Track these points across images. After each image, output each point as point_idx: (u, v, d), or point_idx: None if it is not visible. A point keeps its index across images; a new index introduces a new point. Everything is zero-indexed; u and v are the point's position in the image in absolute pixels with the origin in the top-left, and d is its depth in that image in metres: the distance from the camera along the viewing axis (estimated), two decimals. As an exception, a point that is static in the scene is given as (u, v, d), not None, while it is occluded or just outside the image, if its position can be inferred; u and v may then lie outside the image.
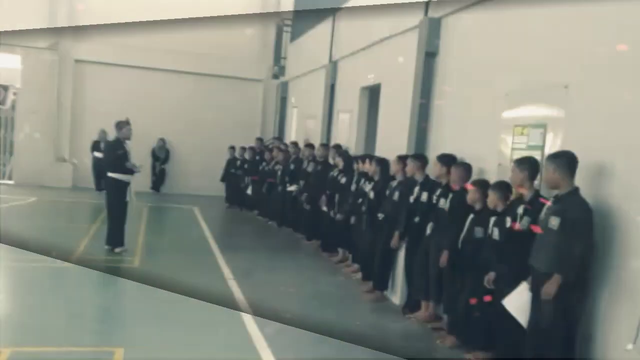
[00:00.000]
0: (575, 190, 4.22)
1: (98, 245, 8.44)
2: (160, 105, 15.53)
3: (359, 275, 7.63)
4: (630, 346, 3.75)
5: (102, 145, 15.16)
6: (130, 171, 8.23)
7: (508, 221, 4.69)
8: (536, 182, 4.72)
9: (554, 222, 4.15)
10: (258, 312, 5.91)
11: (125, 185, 8.22)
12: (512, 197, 5.13)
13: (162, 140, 15.89)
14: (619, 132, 4.19)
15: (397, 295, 6.77)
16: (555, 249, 4.13)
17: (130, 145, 8.41)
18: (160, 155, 15.95)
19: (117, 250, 8.16)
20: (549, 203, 4.32)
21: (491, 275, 4.77)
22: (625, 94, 4.14)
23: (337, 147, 9.90)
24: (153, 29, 14.21)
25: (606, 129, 4.32)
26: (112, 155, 8.29)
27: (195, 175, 15.91)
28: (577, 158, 4.24)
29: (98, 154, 15.11)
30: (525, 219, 4.50)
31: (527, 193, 4.62)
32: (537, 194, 4.59)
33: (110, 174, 8.20)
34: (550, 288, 4.08)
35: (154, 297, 6.34)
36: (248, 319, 5.73)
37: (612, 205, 4.18)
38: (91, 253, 8.19)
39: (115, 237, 8.21)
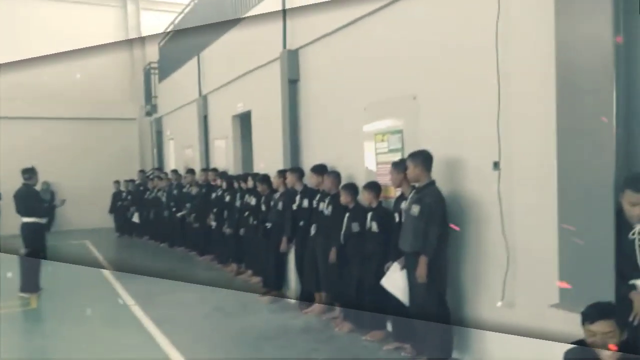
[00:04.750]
0: (432, 182, 4.26)
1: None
2: (43, 152, 13.72)
3: (255, 279, 7.22)
4: (499, 303, 3.81)
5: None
6: (46, 214, 7.22)
7: (396, 216, 4.61)
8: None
9: (415, 209, 4.16)
10: (165, 331, 5.34)
11: (42, 228, 7.10)
12: (382, 194, 5.11)
13: (46, 183, 14.12)
14: (460, 132, 4.30)
15: (291, 292, 6.48)
16: (416, 232, 4.12)
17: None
18: (46, 197, 14.14)
19: (30, 295, 6.91)
20: None
21: (389, 263, 4.61)
22: (462, 99, 4.25)
23: (215, 170, 9.47)
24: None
25: (449, 129, 4.41)
26: (26, 201, 6.98)
27: (83, 211, 14.36)
28: (431, 155, 4.28)
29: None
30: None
31: (407, 190, 4.55)
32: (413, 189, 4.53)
33: (26, 220, 6.94)
34: (421, 271, 4.05)
35: (59, 335, 5.47)
36: (159, 338, 5.16)
37: (465, 190, 4.27)
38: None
39: (31, 282, 6.96)
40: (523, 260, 3.75)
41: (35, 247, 7.00)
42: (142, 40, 15.98)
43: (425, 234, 4.06)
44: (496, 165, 3.90)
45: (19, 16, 13.97)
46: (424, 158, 4.26)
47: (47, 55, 13.35)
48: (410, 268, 4.27)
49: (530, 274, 3.70)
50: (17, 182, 7.14)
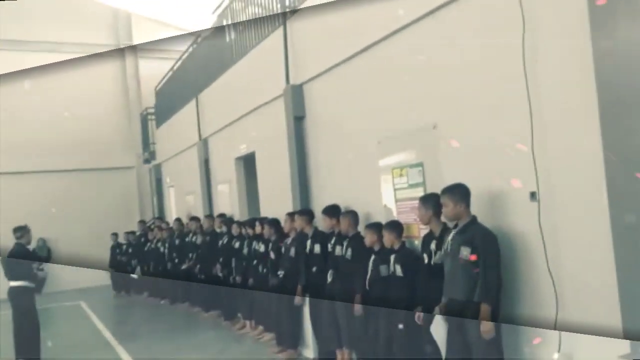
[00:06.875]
0: (474, 218, 3.87)
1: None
2: (37, 207, 13.47)
3: (267, 336, 6.81)
4: (556, 355, 3.43)
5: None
6: (36, 277, 6.84)
7: (425, 258, 4.27)
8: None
9: (465, 252, 3.73)
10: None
11: (32, 291, 6.73)
12: (404, 234, 4.80)
13: (42, 240, 13.89)
14: (488, 162, 4.02)
15: (309, 349, 6.07)
16: (470, 278, 3.70)
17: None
18: (42, 255, 13.83)
19: None
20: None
21: (420, 313, 4.23)
22: (488, 125, 4.00)
23: (222, 215, 9.18)
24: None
25: (476, 160, 4.13)
26: (18, 263, 6.59)
27: (80, 268, 13.99)
28: (469, 189, 3.91)
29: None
30: (439, 254, 4.08)
31: (436, 228, 4.21)
32: (445, 228, 4.14)
33: (14, 284, 6.53)
34: (487, 325, 3.59)
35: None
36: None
37: (502, 225, 3.95)
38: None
39: (29, 350, 6.52)
40: (578, 302, 3.39)
41: (28, 313, 6.63)
42: (137, 85, 15.99)
43: (485, 280, 3.64)
44: (533, 195, 3.60)
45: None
46: (463, 193, 3.88)
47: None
48: (459, 317, 3.84)
49: (590, 317, 3.34)
50: (10, 241, 6.89)
